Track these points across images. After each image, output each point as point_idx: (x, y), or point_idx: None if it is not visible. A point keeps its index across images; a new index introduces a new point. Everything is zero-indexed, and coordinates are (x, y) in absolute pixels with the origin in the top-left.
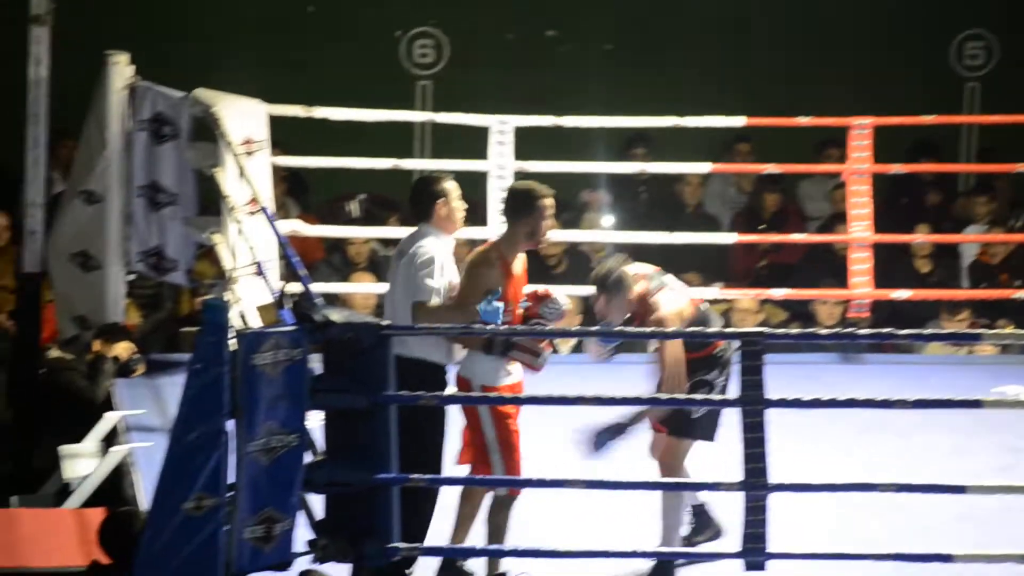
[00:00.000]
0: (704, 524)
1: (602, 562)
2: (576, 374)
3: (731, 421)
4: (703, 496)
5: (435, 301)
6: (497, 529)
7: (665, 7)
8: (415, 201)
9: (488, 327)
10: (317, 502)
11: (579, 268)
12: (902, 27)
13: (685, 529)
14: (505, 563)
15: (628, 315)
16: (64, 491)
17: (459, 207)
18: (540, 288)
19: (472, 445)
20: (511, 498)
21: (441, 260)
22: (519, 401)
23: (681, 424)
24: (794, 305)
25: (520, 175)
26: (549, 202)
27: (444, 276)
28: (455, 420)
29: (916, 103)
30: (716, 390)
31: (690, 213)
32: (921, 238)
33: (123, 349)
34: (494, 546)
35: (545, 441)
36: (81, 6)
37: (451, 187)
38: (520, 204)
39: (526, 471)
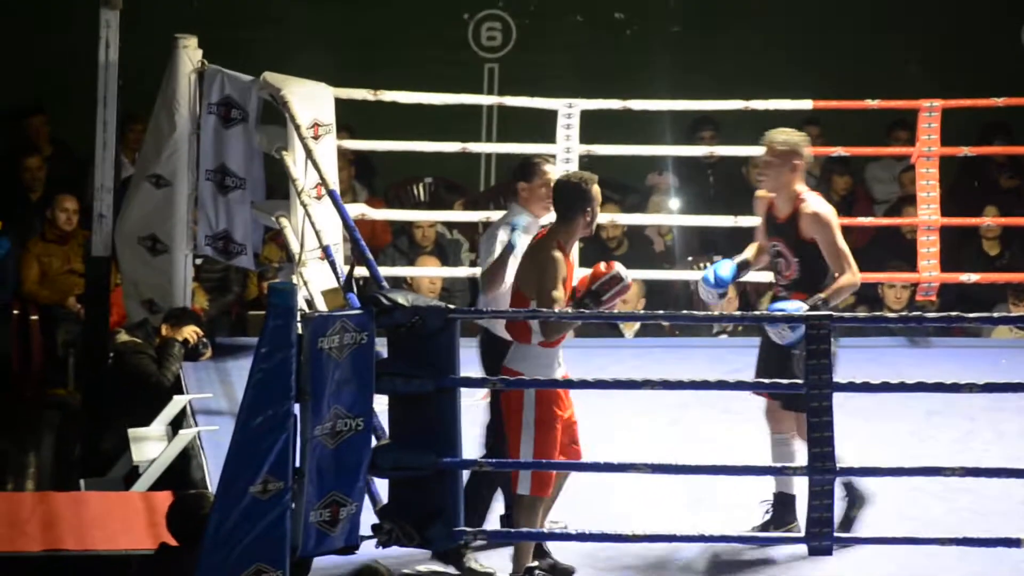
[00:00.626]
0: (856, 497)
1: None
2: (641, 357)
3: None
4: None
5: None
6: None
7: None
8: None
9: (554, 312)
10: (382, 486)
11: (640, 251)
12: (971, 8)
13: (841, 505)
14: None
15: None
16: (133, 474)
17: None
18: (603, 264)
19: (507, 436)
20: (536, 499)
21: None
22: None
23: (798, 397)
24: (862, 288)
25: (586, 158)
26: (598, 189)
27: None
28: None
29: (986, 85)
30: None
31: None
32: (988, 221)
33: (190, 332)
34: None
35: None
36: None
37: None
38: (576, 197)
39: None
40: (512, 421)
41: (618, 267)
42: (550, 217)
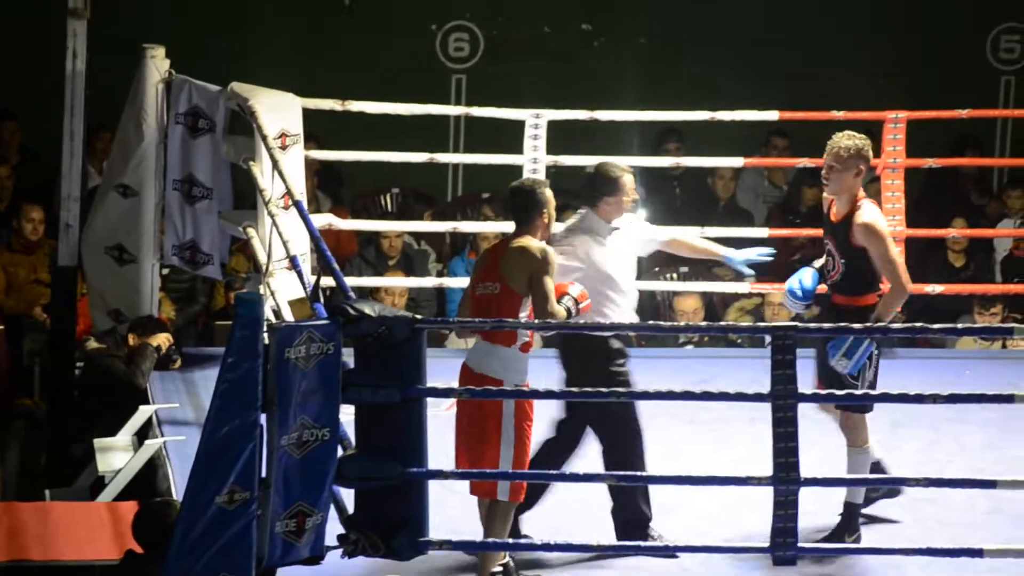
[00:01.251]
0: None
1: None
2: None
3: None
4: (879, 454)
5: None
6: (494, 534)
7: (698, 3)
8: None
9: (520, 322)
10: (348, 496)
11: None
12: (938, 20)
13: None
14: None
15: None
16: (98, 484)
17: None
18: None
19: (479, 442)
20: (511, 505)
21: None
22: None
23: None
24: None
25: (553, 169)
26: (551, 193)
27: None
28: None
29: (952, 97)
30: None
31: (723, 207)
32: (953, 232)
33: (163, 340)
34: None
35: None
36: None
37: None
38: (532, 202)
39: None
40: (491, 429)
41: (572, 291)
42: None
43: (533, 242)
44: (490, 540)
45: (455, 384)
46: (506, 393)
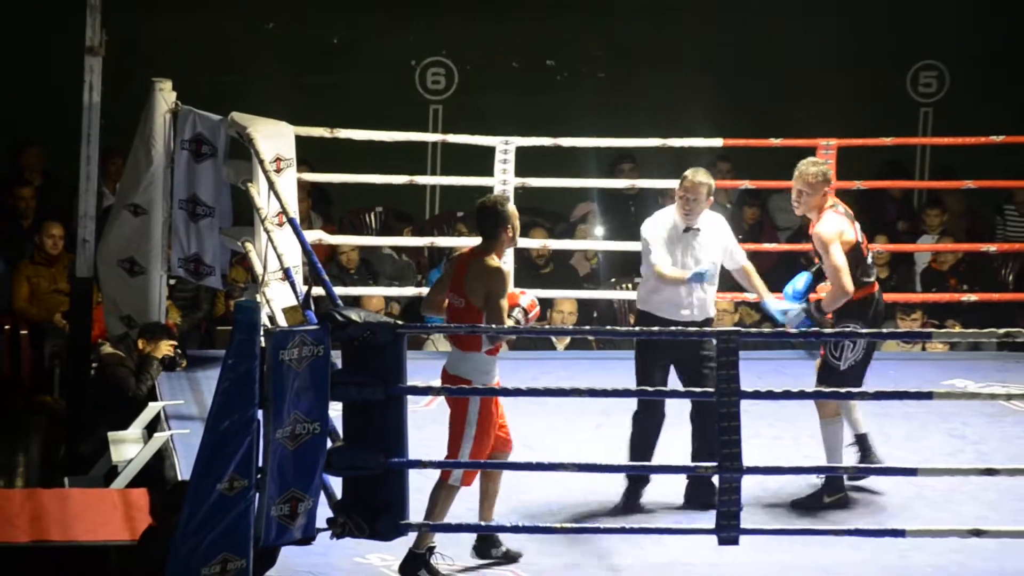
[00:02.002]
0: (867, 451)
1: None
2: (570, 368)
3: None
4: (864, 427)
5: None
6: (435, 507)
7: (649, 42)
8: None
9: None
10: (336, 484)
11: (565, 273)
12: (864, 59)
13: (853, 457)
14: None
15: None
16: (112, 473)
17: None
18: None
19: (452, 433)
20: (456, 488)
21: None
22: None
23: (830, 377)
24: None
25: (521, 190)
26: (514, 208)
27: None
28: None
29: (877, 126)
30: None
31: None
32: (878, 247)
33: (168, 348)
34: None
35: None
36: (130, 38)
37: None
38: (497, 217)
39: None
40: (456, 421)
41: (523, 301)
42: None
43: (493, 262)
44: (471, 523)
45: (433, 383)
46: (476, 391)
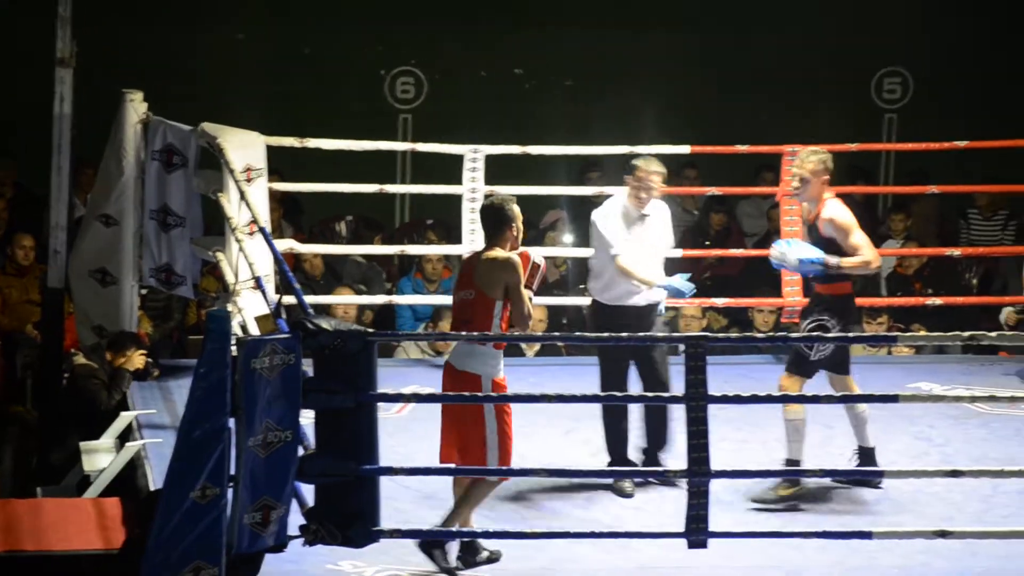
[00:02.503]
0: (865, 454)
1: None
2: (539, 374)
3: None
4: (873, 440)
5: None
6: (468, 500)
7: (618, 49)
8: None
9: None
10: (308, 491)
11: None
12: (830, 65)
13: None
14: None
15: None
16: (84, 482)
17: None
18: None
19: (464, 437)
20: (496, 483)
21: None
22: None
23: (800, 364)
24: (734, 312)
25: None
26: (517, 209)
27: None
28: (436, 418)
29: (842, 132)
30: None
31: None
32: None
33: (140, 360)
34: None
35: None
36: (101, 50)
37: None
38: (500, 217)
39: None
40: (466, 422)
41: (532, 256)
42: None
43: (501, 253)
44: (439, 529)
45: (404, 390)
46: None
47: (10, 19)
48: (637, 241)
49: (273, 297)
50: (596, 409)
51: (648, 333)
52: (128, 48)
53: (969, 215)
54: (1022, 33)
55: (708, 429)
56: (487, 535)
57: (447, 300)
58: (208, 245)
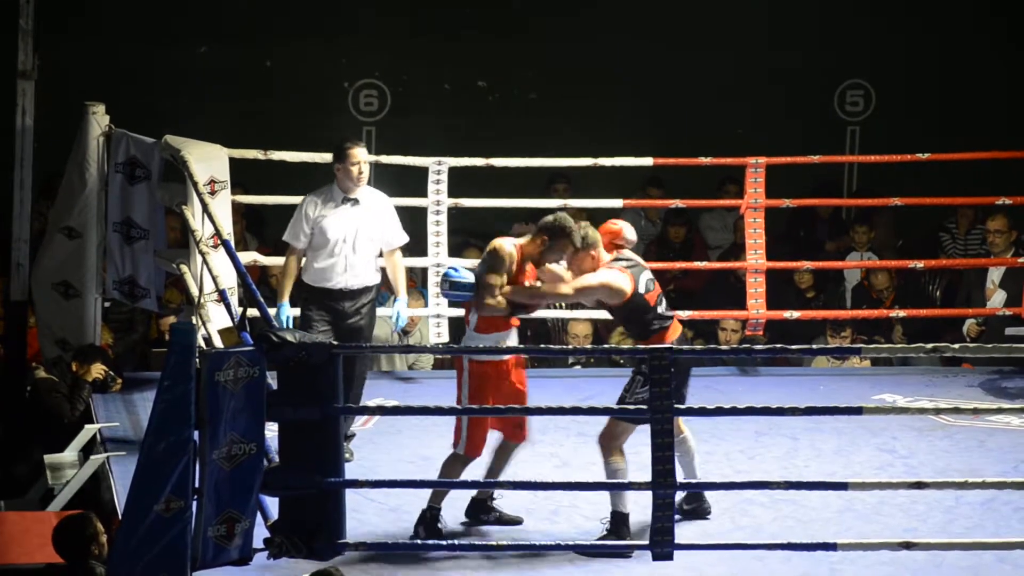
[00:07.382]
0: (698, 500)
1: None
2: None
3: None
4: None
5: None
6: (442, 473)
7: (582, 63)
8: None
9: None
10: (272, 504)
11: None
12: (792, 77)
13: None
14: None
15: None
16: (48, 496)
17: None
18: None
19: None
20: (464, 457)
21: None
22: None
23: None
24: (698, 324)
25: (454, 210)
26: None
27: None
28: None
29: (805, 145)
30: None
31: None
32: (807, 264)
33: (99, 371)
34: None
35: None
36: (63, 62)
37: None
38: (560, 233)
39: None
40: (457, 392)
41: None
42: (361, 193)
43: (498, 241)
44: (403, 542)
45: (370, 403)
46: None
47: None
48: (344, 224)
49: (237, 310)
50: (563, 421)
51: (616, 347)
52: (90, 61)
53: (952, 230)
54: (985, 46)
55: (673, 442)
56: (451, 548)
57: (411, 312)
58: (172, 258)
